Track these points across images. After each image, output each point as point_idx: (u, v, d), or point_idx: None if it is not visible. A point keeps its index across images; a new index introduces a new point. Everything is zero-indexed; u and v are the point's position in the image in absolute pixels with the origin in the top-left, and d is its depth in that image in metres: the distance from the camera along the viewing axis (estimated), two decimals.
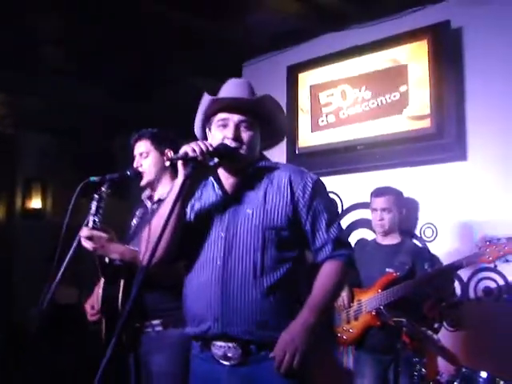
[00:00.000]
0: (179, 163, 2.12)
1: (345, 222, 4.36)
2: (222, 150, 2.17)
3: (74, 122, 6.97)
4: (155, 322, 2.89)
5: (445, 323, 3.78)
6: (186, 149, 2.10)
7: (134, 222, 3.24)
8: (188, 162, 2.09)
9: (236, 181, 2.27)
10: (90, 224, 2.83)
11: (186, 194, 2.15)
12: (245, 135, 2.21)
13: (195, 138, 2.32)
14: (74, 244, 2.85)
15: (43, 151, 7.40)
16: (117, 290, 2.90)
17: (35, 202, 7.40)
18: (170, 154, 3.07)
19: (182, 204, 2.16)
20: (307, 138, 4.51)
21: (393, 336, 3.03)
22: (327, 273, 2.17)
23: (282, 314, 2.11)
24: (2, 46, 4.69)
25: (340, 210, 4.41)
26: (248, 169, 2.26)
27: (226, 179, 2.28)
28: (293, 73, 4.66)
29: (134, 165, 3.13)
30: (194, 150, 2.08)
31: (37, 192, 7.43)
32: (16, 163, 7.43)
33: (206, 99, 2.25)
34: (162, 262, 2.19)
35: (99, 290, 3.03)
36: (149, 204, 3.15)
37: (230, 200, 2.24)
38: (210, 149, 2.11)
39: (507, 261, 3.30)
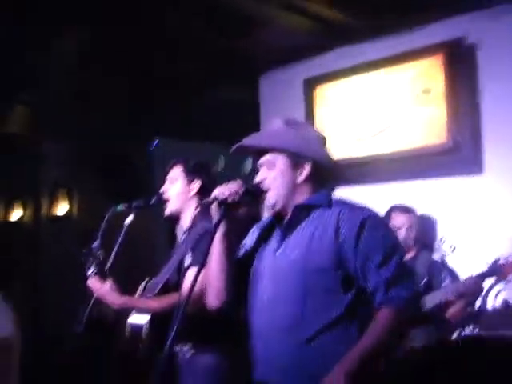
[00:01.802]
0: (212, 206, 2.16)
1: None
2: (251, 191, 2.19)
3: (96, 129, 7.11)
4: (185, 347, 2.86)
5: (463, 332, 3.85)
6: (215, 192, 2.15)
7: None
8: (219, 204, 2.13)
9: (286, 221, 2.22)
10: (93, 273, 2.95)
11: (224, 235, 2.19)
12: (268, 175, 2.20)
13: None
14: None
15: (68, 157, 7.55)
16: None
17: (61, 208, 7.56)
18: (198, 183, 3.07)
19: (224, 245, 2.20)
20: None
21: None
22: (378, 319, 1.99)
23: (326, 362, 1.97)
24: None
25: None
26: (296, 208, 2.19)
27: (281, 219, 2.25)
28: (310, 86, 4.72)
29: (161, 190, 3.13)
30: (224, 193, 2.12)
31: (63, 197, 7.59)
32: (42, 170, 7.59)
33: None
34: (222, 304, 2.25)
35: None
36: (180, 234, 3.14)
37: (280, 243, 2.20)
38: (241, 191, 2.14)
39: None
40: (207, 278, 2.22)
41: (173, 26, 4.25)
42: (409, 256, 3.80)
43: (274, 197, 2.18)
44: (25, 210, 7.69)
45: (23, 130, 7.21)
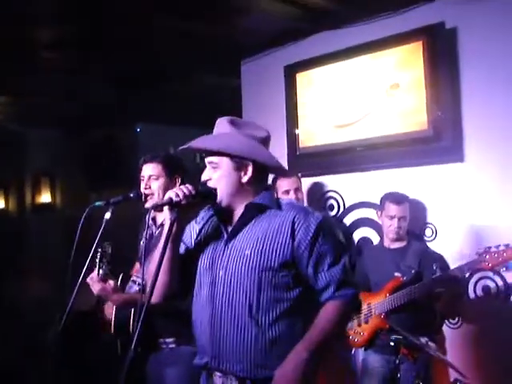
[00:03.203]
0: (165, 208, 2.23)
1: (346, 221, 4.47)
2: (203, 192, 2.27)
3: (79, 117, 7.06)
4: (169, 339, 3.07)
5: (447, 321, 3.88)
6: (170, 194, 2.21)
7: (142, 243, 3.35)
8: (173, 206, 2.20)
9: (236, 218, 2.32)
10: (98, 272, 2.97)
11: (175, 235, 2.25)
12: (213, 175, 2.29)
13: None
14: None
15: (50, 146, 7.51)
16: (128, 315, 3.06)
17: (44, 197, 7.54)
18: (178, 180, 3.21)
19: (173, 245, 2.27)
20: (307, 138, 4.56)
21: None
22: (326, 311, 2.19)
23: (278, 353, 2.15)
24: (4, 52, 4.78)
25: (342, 209, 4.52)
26: (247, 206, 2.29)
27: (227, 217, 2.34)
28: (290, 72, 4.67)
29: (142, 186, 3.22)
30: (178, 195, 2.19)
31: (46, 186, 7.56)
32: (25, 159, 7.56)
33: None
34: (164, 300, 2.33)
35: (111, 311, 3.17)
36: (153, 228, 3.25)
37: (231, 238, 2.30)
38: (193, 192, 2.21)
39: (506, 268, 3.40)
40: (149, 276, 2.25)
41: (157, 14, 4.22)
42: (400, 245, 3.83)
43: (220, 196, 2.28)
44: (7, 199, 7.66)
45: (5, 117, 7.16)
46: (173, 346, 3.08)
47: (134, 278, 3.22)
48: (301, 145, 4.55)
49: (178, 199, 2.18)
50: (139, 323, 1.94)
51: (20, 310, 6.39)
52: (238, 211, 2.31)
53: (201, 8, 4.13)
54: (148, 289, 2.06)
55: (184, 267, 2.35)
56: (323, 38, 4.57)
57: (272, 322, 2.18)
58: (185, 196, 2.18)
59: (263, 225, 2.26)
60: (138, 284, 3.12)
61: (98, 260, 2.96)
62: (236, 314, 2.20)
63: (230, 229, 2.33)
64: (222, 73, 5.56)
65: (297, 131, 4.60)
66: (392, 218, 3.79)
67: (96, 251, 2.96)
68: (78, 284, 2.93)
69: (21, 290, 6.64)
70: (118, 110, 6.79)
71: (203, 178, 2.31)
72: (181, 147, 2.35)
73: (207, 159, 2.31)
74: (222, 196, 2.27)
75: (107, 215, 3.09)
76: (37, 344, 3.28)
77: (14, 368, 3.94)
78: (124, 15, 4.18)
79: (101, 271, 2.96)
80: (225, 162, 2.27)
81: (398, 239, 3.82)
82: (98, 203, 3.14)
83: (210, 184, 2.28)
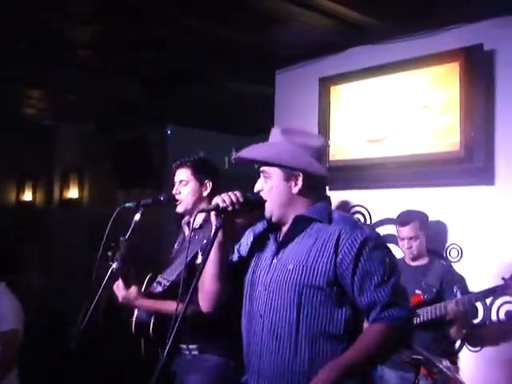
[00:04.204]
0: (212, 214, 2.19)
1: None
2: (251, 200, 2.22)
3: (109, 115, 7.14)
4: (192, 346, 3.05)
5: (467, 344, 3.86)
6: (217, 200, 2.17)
7: (176, 246, 3.40)
8: (219, 213, 2.16)
9: (285, 231, 2.25)
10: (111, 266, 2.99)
11: (221, 242, 2.22)
12: (264, 186, 2.25)
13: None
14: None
15: (80, 142, 7.60)
16: (149, 317, 3.09)
17: (72, 192, 7.63)
18: (209, 184, 3.21)
19: (220, 253, 2.23)
20: (338, 152, 4.57)
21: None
22: (368, 333, 2.05)
23: (315, 373, 1.97)
24: (38, 47, 4.86)
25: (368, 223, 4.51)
26: (295, 219, 2.22)
27: (279, 229, 2.29)
28: (325, 85, 4.69)
29: (173, 191, 3.24)
30: (224, 201, 2.15)
31: (74, 182, 7.65)
32: (55, 153, 7.66)
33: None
34: (214, 309, 2.33)
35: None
36: (187, 231, 3.26)
37: (278, 252, 2.24)
38: (241, 200, 2.16)
39: None
40: (201, 283, 2.25)
41: (196, 22, 4.28)
42: (421, 263, 3.83)
43: (269, 207, 2.23)
44: (35, 192, 7.76)
45: (37, 111, 7.26)
46: (195, 353, 3.05)
47: (159, 279, 3.25)
48: (331, 158, 4.55)
49: (224, 205, 2.14)
50: (174, 330, 1.90)
51: (44, 305, 6.47)
52: (289, 223, 2.24)
53: (238, 15, 4.17)
54: (186, 296, 1.99)
55: (235, 276, 2.32)
56: (360, 53, 4.57)
57: (311, 341, 2.08)
58: (232, 203, 2.15)
59: (310, 239, 2.17)
60: (163, 285, 3.15)
61: (110, 255, 2.98)
62: (275, 330, 2.13)
63: (279, 242, 2.26)
64: (255, 80, 5.58)
65: (328, 143, 4.58)
66: (402, 239, 3.82)
67: (111, 246, 2.99)
68: (105, 281, 2.99)
69: (45, 283, 6.72)
70: (149, 110, 6.85)
71: (256, 188, 2.26)
72: (233, 157, 2.31)
73: (260, 169, 2.26)
74: (272, 207, 2.22)
75: (137, 216, 3.15)
76: (60, 339, 3.31)
77: (37, 362, 4.00)
78: (157, 16, 4.22)
79: (114, 265, 2.96)
80: (275, 172, 2.22)
81: (414, 258, 3.83)
82: (128, 204, 3.19)
83: (262, 194, 2.24)
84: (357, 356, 1.98)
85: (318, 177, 2.25)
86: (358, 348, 2.00)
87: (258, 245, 2.36)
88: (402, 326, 2.04)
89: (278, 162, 2.21)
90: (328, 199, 2.32)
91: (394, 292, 2.05)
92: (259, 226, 2.42)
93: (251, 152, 2.29)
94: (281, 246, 2.24)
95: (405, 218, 3.83)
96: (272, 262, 2.23)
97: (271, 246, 2.28)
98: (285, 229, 2.25)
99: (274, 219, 2.24)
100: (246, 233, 2.45)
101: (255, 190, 2.26)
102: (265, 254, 2.29)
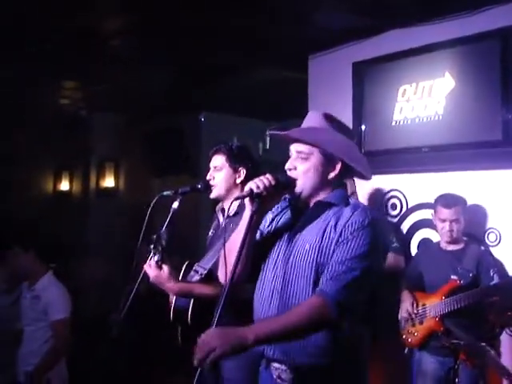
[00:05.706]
0: (246, 200, 2.24)
1: (408, 222, 4.45)
2: (283, 182, 2.27)
3: (144, 104, 7.19)
4: None
5: (507, 328, 3.82)
6: (251, 185, 2.21)
7: (210, 234, 3.41)
8: (254, 198, 2.21)
9: (306, 211, 2.33)
10: (153, 260, 2.97)
11: (255, 225, 2.28)
12: (300, 166, 2.29)
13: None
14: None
15: (116, 132, 7.67)
16: (187, 304, 3.11)
17: (108, 181, 7.72)
18: (243, 171, 3.20)
19: (251, 234, 2.27)
20: (373, 136, 4.54)
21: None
22: (304, 304, 2.15)
23: (327, 343, 2.15)
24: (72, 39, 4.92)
25: (404, 209, 4.49)
26: (316, 203, 2.30)
27: (301, 210, 2.36)
28: (359, 69, 4.66)
29: (207, 177, 3.25)
30: (258, 187, 2.19)
31: (110, 171, 7.74)
32: (91, 143, 7.76)
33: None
34: (240, 281, 2.32)
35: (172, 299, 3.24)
36: (221, 218, 3.28)
37: (297, 232, 2.30)
38: (273, 183, 2.21)
39: None
40: (223, 257, 2.26)
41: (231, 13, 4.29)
42: (457, 248, 3.79)
43: (301, 186, 2.28)
44: (72, 181, 7.86)
45: (73, 102, 7.34)
46: None
47: (196, 267, 3.26)
48: (366, 142, 4.54)
49: (258, 191, 2.19)
50: (220, 308, 1.99)
51: (83, 293, 6.57)
52: (310, 206, 2.32)
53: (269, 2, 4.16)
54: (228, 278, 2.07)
55: (255, 256, 2.36)
56: (394, 36, 4.51)
57: None
58: (265, 187, 2.19)
59: (327, 221, 2.23)
60: (201, 274, 3.16)
61: (152, 246, 2.97)
62: (293, 303, 2.20)
63: (300, 221, 2.33)
64: (288, 67, 5.55)
65: (362, 128, 4.59)
66: (444, 221, 3.77)
67: (152, 238, 2.98)
68: (143, 270, 3.02)
69: (83, 272, 6.82)
70: (182, 98, 6.88)
71: (287, 166, 2.30)
72: (274, 132, 2.38)
73: (296, 148, 2.30)
74: (305, 188, 2.27)
75: (175, 205, 3.15)
76: (99, 327, 3.36)
77: (75, 350, 4.07)
78: (188, 5, 4.20)
79: (155, 257, 2.97)
80: (316, 155, 2.26)
81: (452, 242, 3.79)
82: (166, 193, 3.20)
83: (293, 174, 2.28)
84: (282, 326, 2.08)
85: (352, 167, 2.30)
86: (290, 314, 2.12)
87: (278, 223, 2.42)
88: (336, 310, 2.08)
89: (326, 148, 2.26)
90: (345, 185, 2.42)
91: (354, 280, 2.10)
92: (277, 205, 2.48)
93: (300, 133, 2.34)
94: (300, 226, 2.31)
95: (450, 201, 3.78)
96: (290, 242, 2.30)
97: (290, 227, 2.35)
98: (305, 211, 2.33)
99: (302, 197, 2.30)
100: (269, 213, 2.48)
101: (286, 167, 2.30)
102: (284, 234, 2.35)
